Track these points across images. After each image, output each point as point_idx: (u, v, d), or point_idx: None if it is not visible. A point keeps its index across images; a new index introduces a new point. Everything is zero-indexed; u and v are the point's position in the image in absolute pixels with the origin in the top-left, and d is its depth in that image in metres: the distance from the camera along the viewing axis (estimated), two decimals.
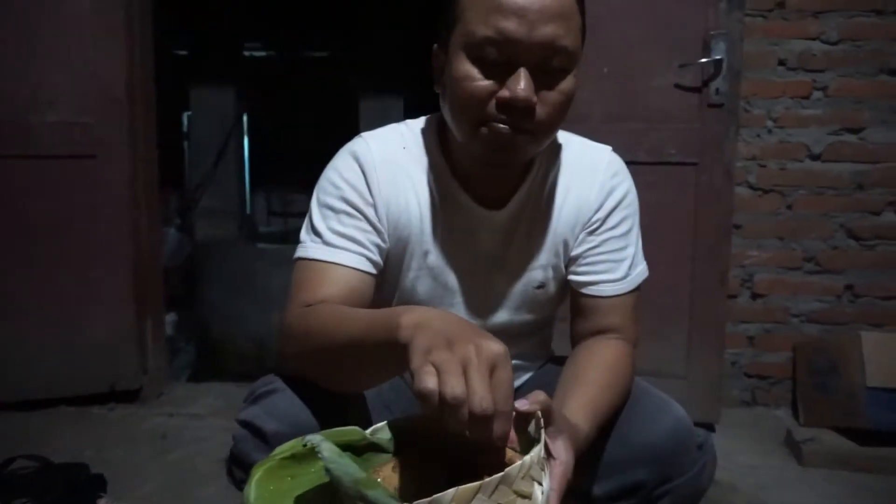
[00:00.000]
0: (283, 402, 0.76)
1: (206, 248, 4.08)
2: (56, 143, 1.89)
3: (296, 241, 0.87)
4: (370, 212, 0.84)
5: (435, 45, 0.82)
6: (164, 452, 1.72)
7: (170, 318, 3.63)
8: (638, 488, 0.81)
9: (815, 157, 2.00)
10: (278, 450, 0.58)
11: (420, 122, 0.91)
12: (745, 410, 2.09)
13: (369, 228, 0.84)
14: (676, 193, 1.81)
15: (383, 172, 0.85)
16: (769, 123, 1.99)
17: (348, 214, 0.83)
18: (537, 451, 0.53)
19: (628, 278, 0.89)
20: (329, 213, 0.84)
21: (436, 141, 0.88)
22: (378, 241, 0.85)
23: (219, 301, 3.84)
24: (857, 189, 2.01)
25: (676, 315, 1.85)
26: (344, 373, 0.71)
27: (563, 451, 0.63)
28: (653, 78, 1.81)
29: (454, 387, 0.49)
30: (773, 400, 2.10)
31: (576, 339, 0.92)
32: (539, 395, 0.61)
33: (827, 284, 2.05)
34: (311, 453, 0.58)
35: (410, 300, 0.91)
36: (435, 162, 0.87)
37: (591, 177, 0.89)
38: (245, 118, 4.56)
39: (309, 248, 0.83)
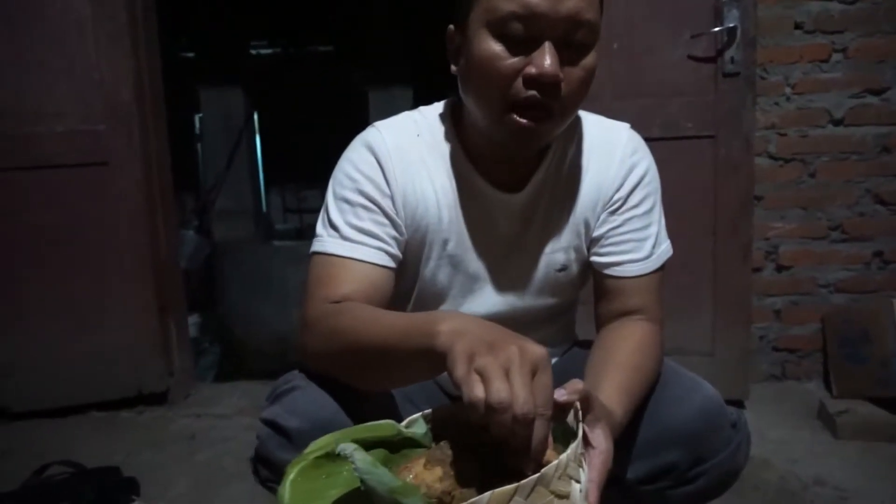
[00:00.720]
0: (304, 399, 0.76)
1: (224, 248, 4.12)
2: (66, 153, 1.90)
3: (312, 236, 0.86)
4: (387, 203, 0.83)
5: (450, 27, 0.80)
6: (192, 453, 1.74)
7: (193, 319, 3.68)
8: (671, 470, 0.79)
9: (836, 123, 1.94)
10: (311, 448, 0.58)
11: (434, 108, 0.90)
12: (775, 384, 2.05)
13: (386, 221, 0.83)
14: (694, 168, 1.77)
15: (398, 162, 0.84)
16: (787, 90, 1.93)
17: (365, 208, 0.82)
18: (574, 447, 0.52)
19: (652, 257, 0.87)
20: (346, 206, 0.82)
21: (451, 126, 0.87)
22: (395, 233, 0.84)
23: (239, 300, 3.88)
24: (882, 152, 1.95)
25: (700, 291, 1.81)
26: (372, 373, 0.71)
27: (602, 440, 0.62)
28: (664, 51, 1.77)
29: (499, 391, 0.49)
30: (803, 373, 2.06)
31: (601, 322, 0.90)
32: (577, 385, 0.59)
33: (854, 252, 2.00)
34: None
35: (431, 289, 0.90)
36: (450, 148, 0.86)
37: (609, 155, 0.87)
38: (256, 116, 4.57)
39: (326, 242, 0.82)
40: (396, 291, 0.86)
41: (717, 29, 1.72)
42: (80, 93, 1.89)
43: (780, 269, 2.02)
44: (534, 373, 0.52)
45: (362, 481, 0.51)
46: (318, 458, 0.57)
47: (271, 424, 0.76)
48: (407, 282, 0.89)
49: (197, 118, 4.72)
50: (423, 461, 0.58)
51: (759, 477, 1.49)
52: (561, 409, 0.58)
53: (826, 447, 1.65)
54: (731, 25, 1.71)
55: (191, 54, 4.59)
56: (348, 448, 0.53)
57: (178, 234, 2.76)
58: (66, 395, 1.97)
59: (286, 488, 0.54)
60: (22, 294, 1.94)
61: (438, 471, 0.57)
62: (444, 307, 0.91)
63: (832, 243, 2.00)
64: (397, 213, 0.84)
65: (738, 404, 1.83)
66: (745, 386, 1.85)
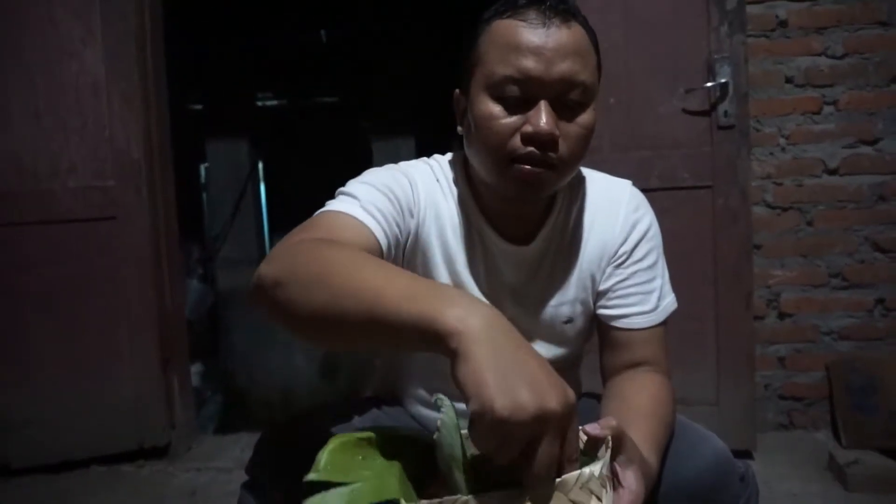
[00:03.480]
0: (276, 454, 0.78)
1: (228, 297, 4.13)
2: (77, 208, 1.94)
3: None
4: (411, 222, 0.84)
5: (456, 91, 0.85)
6: None
7: (195, 368, 3.65)
8: None
9: (831, 172, 1.98)
10: (358, 431, 0.60)
11: (446, 157, 0.93)
12: (782, 434, 2.03)
13: (404, 231, 0.83)
14: (693, 218, 1.80)
15: (423, 193, 0.86)
16: (781, 141, 1.98)
17: (390, 200, 0.81)
18: (599, 465, 0.53)
19: (658, 310, 0.89)
20: (373, 189, 0.80)
21: (463, 176, 0.89)
22: (399, 252, 0.84)
23: (242, 350, 3.87)
24: (879, 200, 1.98)
25: (703, 341, 1.81)
26: (342, 323, 0.59)
27: (633, 482, 0.62)
28: (659, 105, 1.82)
29: (515, 453, 0.49)
30: (811, 422, 2.04)
31: (608, 373, 0.91)
32: (611, 421, 0.60)
33: (856, 299, 2.00)
34: (389, 443, 0.60)
35: None
36: (462, 196, 0.89)
37: (614, 211, 0.90)
38: (261, 166, 4.65)
39: (342, 202, 0.78)
40: None
41: (710, 84, 1.78)
42: (92, 150, 1.94)
43: (782, 316, 2.02)
44: (563, 431, 0.50)
45: (438, 430, 0.53)
46: (360, 439, 0.59)
47: (250, 477, 0.79)
48: None
49: (203, 168, 4.80)
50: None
51: None
52: (592, 445, 0.59)
53: (838, 500, 1.62)
54: (724, 81, 1.76)
55: (198, 106, 4.70)
56: (445, 400, 0.54)
57: (184, 284, 2.78)
58: (68, 450, 1.95)
59: (324, 454, 0.55)
60: (29, 348, 1.95)
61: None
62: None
63: (833, 290, 2.01)
64: (415, 240, 0.85)
65: (746, 455, 1.81)
66: (752, 436, 1.83)
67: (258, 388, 3.57)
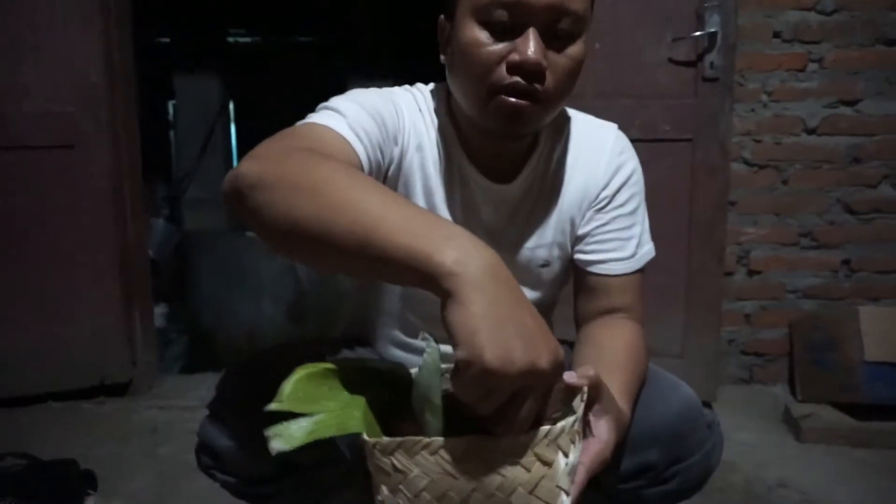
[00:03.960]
0: (241, 388, 0.76)
1: (195, 238, 4.03)
2: (33, 134, 1.83)
3: None
4: (395, 151, 0.81)
5: (441, 16, 0.80)
6: (155, 446, 1.69)
7: (161, 309, 3.60)
8: (648, 469, 0.79)
9: (810, 131, 1.97)
10: (327, 360, 0.58)
11: (429, 87, 0.88)
12: (742, 388, 2.08)
13: (387, 159, 0.79)
14: (671, 171, 1.78)
15: (408, 125, 0.82)
16: (764, 97, 1.96)
17: (377, 125, 0.76)
18: (570, 421, 0.52)
19: (636, 257, 0.88)
20: (360, 109, 0.75)
21: (445, 109, 0.85)
22: (379, 180, 0.80)
23: (209, 292, 3.80)
24: (854, 162, 1.98)
25: (673, 294, 1.82)
26: (328, 242, 0.54)
27: (605, 431, 0.61)
28: (645, 53, 1.77)
29: (498, 405, 0.48)
30: (770, 377, 2.09)
31: (582, 319, 0.90)
32: (589, 371, 0.59)
33: (824, 259, 2.03)
34: (359, 376, 0.58)
35: None
36: (444, 129, 0.85)
37: (597, 154, 0.87)
38: (232, 105, 4.49)
39: (328, 117, 0.72)
40: None
41: (698, 33, 1.73)
42: (48, 73, 1.82)
43: (751, 273, 2.04)
44: (549, 389, 0.50)
45: (419, 369, 0.52)
46: (328, 370, 0.57)
47: (211, 412, 0.77)
48: None
49: (171, 105, 4.62)
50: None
51: (724, 479, 1.50)
52: (568, 393, 0.58)
53: (790, 450, 1.67)
54: (713, 30, 1.72)
55: (166, 40, 4.49)
56: (432, 340, 0.53)
57: (148, 222, 2.70)
58: (24, 385, 1.90)
59: (289, 384, 0.53)
60: None
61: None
62: (409, 289, 0.88)
63: (802, 250, 2.03)
64: (396, 169, 0.82)
65: (706, 407, 1.85)
66: (713, 389, 1.87)
67: (225, 331, 3.52)
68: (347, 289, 1.05)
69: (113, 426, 1.83)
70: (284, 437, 0.51)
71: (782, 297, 2.05)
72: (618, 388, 0.71)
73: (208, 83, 4.25)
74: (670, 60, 1.76)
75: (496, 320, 0.47)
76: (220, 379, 0.82)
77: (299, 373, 0.55)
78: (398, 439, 0.50)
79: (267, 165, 0.59)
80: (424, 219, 0.53)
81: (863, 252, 2.02)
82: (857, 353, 1.72)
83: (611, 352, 0.80)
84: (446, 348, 0.49)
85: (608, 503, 0.89)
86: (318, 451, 0.81)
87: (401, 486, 0.51)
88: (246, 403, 0.71)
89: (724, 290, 1.94)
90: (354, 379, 0.59)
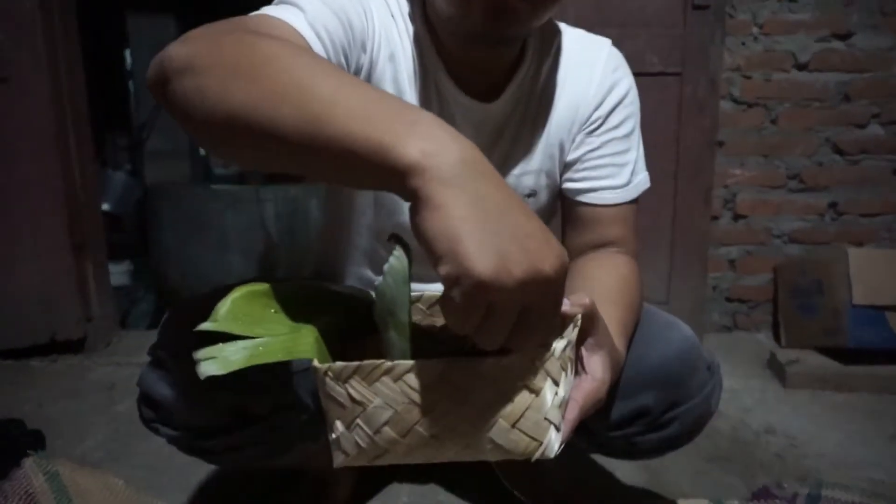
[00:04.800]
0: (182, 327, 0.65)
1: (158, 191, 3.86)
2: None
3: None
4: (363, 58, 0.70)
5: None
6: (110, 404, 1.58)
7: (125, 266, 3.47)
8: (643, 415, 0.73)
9: (801, 67, 1.88)
10: (275, 281, 0.50)
11: None
12: (725, 335, 2.04)
13: (353, 66, 0.69)
14: (659, 106, 1.68)
15: (379, 31, 0.71)
16: (755, 30, 1.85)
17: (343, 26, 0.65)
18: (562, 344, 0.43)
19: (631, 185, 0.80)
20: (323, 6, 0.64)
21: (420, 15, 0.74)
22: None
23: (174, 247, 3.65)
24: (843, 100, 1.90)
25: (658, 237, 1.75)
26: (270, 134, 0.45)
27: (599, 369, 0.53)
28: None
29: (507, 322, 0.39)
30: (753, 324, 2.05)
31: (572, 255, 0.81)
32: (583, 298, 0.51)
33: (810, 203, 1.97)
34: (313, 299, 0.50)
35: (374, 200, 0.79)
36: (420, 39, 0.74)
37: (589, 71, 0.78)
38: None
39: (283, 10, 0.62)
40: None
41: None
42: None
43: (736, 217, 1.97)
44: (556, 301, 0.42)
45: (385, 276, 0.44)
46: (275, 290, 0.49)
47: (152, 357, 0.68)
48: None
49: (128, 53, 4.37)
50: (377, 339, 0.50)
51: (711, 426, 1.41)
52: (560, 323, 0.49)
53: (776, 396, 1.63)
54: None
55: None
56: (403, 240, 0.43)
57: (97, 167, 2.51)
58: None
59: (226, 302, 0.45)
60: None
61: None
62: (386, 216, 0.79)
63: (789, 192, 1.96)
64: (365, 80, 0.71)
65: None
66: (699, 336, 1.82)
67: (192, 287, 3.39)
68: (318, 227, 0.96)
69: (66, 384, 1.71)
70: (219, 361, 0.43)
71: (767, 242, 2.00)
72: (612, 323, 0.63)
73: (164, 26, 4.00)
74: None
75: (483, 222, 0.38)
76: (162, 322, 0.73)
77: (240, 290, 0.47)
78: (354, 364, 0.41)
79: (199, 46, 0.49)
80: (385, 103, 0.43)
81: (849, 195, 1.96)
82: (845, 297, 1.67)
83: (604, 286, 0.71)
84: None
85: (597, 451, 0.83)
86: (274, 397, 0.72)
87: (358, 421, 0.42)
88: (188, 345, 0.63)
89: (710, 235, 1.87)
90: (307, 303, 0.50)
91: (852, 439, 1.40)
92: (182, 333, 0.68)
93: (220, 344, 0.43)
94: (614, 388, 0.68)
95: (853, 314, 1.65)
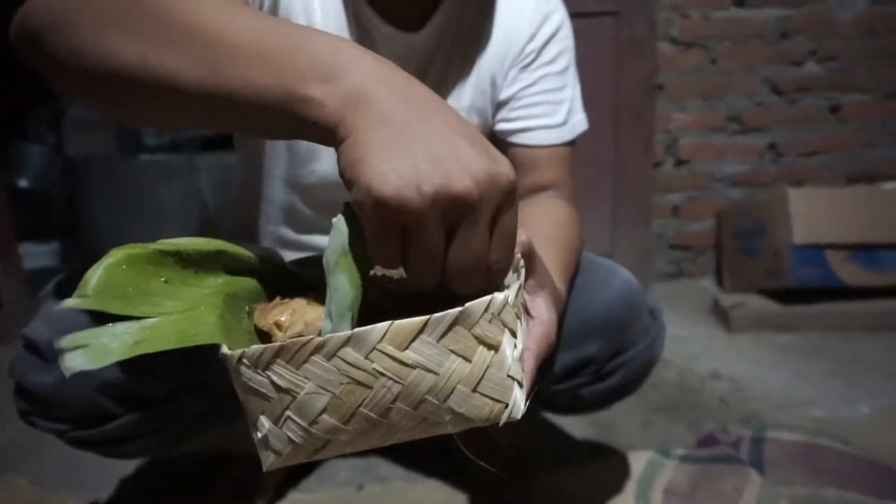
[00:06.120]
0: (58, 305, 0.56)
1: (83, 164, 3.62)
2: None
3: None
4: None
5: None
6: None
7: (52, 247, 3.28)
8: (586, 364, 0.70)
9: (740, 3, 1.83)
10: (163, 241, 0.41)
11: None
12: (670, 284, 2.03)
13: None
14: (595, 49, 1.61)
15: None
16: None
17: None
18: (515, 289, 0.37)
19: (567, 125, 0.76)
20: None
21: None
22: None
23: (105, 223, 3.46)
24: (782, 38, 1.87)
25: (601, 186, 1.70)
26: (163, 89, 0.40)
27: (544, 310, 0.48)
28: None
29: (430, 248, 0.35)
30: (698, 270, 2.05)
31: None
32: (521, 235, 0.44)
33: (751, 144, 1.95)
34: (209, 261, 0.41)
35: (286, 146, 0.72)
36: None
37: (522, 1, 0.74)
38: None
39: None
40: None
41: None
42: None
43: (678, 163, 1.94)
44: (496, 215, 0.36)
45: (344, 213, 0.37)
46: (163, 252, 0.40)
47: (24, 340, 0.61)
48: None
49: None
50: (306, 300, 0.42)
51: (657, 375, 1.43)
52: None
53: (721, 341, 1.63)
54: None
55: None
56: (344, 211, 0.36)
57: (22, 148, 2.31)
58: None
59: (99, 270, 0.37)
60: None
61: (321, 309, 0.41)
62: (301, 164, 0.73)
63: (730, 135, 1.94)
64: (271, 9, 0.65)
65: None
66: (644, 285, 1.80)
67: None
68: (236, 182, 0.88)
69: None
70: (91, 351, 0.35)
71: (710, 187, 1.98)
72: (551, 264, 0.58)
73: None
74: None
75: (391, 139, 0.34)
76: (39, 296, 0.66)
77: (115, 254, 0.38)
78: (275, 345, 0.33)
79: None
80: (283, 37, 0.37)
81: (788, 134, 1.95)
82: (786, 237, 1.66)
83: (540, 230, 0.66)
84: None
85: (542, 407, 0.80)
86: (170, 378, 0.63)
87: (288, 413, 0.34)
88: (70, 326, 0.55)
89: (653, 182, 1.83)
90: (204, 268, 0.42)
91: (796, 379, 1.40)
92: (57, 314, 0.59)
93: (93, 329, 0.36)
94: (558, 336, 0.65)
95: (794, 254, 1.64)
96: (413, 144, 0.34)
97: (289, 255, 0.80)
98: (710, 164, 1.95)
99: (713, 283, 2.01)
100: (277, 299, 0.44)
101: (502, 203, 0.36)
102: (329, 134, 0.36)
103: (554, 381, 0.72)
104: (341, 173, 0.35)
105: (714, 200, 1.98)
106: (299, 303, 0.43)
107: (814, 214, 1.67)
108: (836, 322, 1.63)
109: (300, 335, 0.40)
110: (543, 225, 0.69)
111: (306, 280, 0.48)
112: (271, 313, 0.43)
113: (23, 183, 3.43)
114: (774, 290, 1.72)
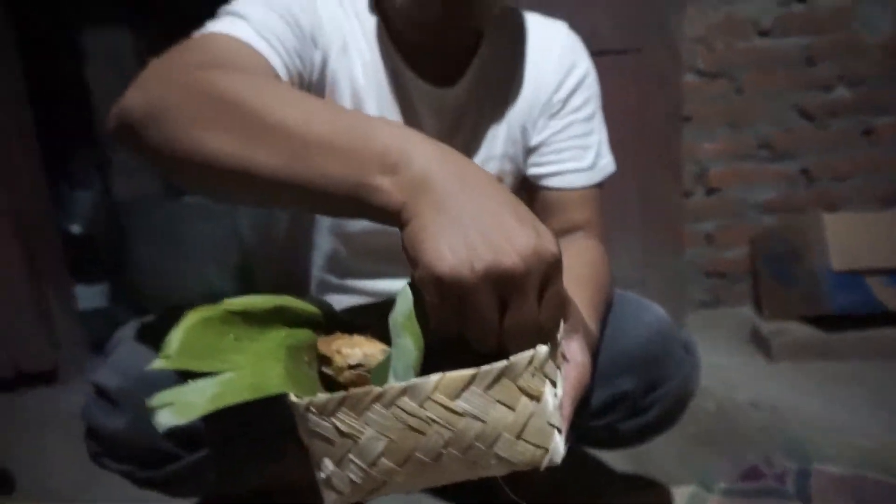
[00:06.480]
0: (127, 353, 0.63)
1: (129, 207, 3.78)
2: None
3: None
4: (315, 55, 0.68)
5: None
6: (80, 436, 1.53)
7: (103, 288, 3.41)
8: (624, 399, 0.72)
9: (763, 33, 1.85)
10: (228, 301, 0.45)
11: None
12: (707, 312, 2.01)
13: (308, 66, 0.67)
14: (620, 84, 1.63)
15: (327, 22, 0.69)
16: None
17: (290, 27, 0.64)
18: (552, 347, 0.40)
19: (595, 168, 0.80)
20: (268, 10, 0.63)
21: (373, 4, 0.73)
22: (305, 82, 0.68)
23: (150, 263, 3.59)
24: (808, 64, 1.88)
25: (630, 216, 1.71)
26: (251, 177, 0.45)
27: (579, 353, 0.51)
28: None
29: (484, 317, 0.39)
30: (735, 298, 2.03)
31: None
32: None
33: (782, 170, 1.94)
34: (271, 317, 0.46)
35: None
36: (374, 27, 0.73)
37: (547, 54, 0.79)
38: (149, 58, 4.16)
39: (229, 23, 0.60)
40: None
41: None
42: None
43: (709, 191, 1.95)
44: (544, 284, 0.40)
45: (408, 285, 0.42)
46: (231, 312, 0.44)
47: (95, 386, 0.65)
48: None
49: (87, 69, 4.27)
50: (366, 336, 0.48)
51: (697, 406, 1.40)
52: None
53: (760, 370, 1.62)
54: None
55: None
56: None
57: (50, 190, 2.43)
58: None
59: (179, 333, 0.42)
60: None
61: (383, 344, 0.47)
62: (342, 220, 0.78)
63: (761, 161, 1.94)
64: (320, 77, 0.69)
65: None
66: (679, 315, 1.79)
67: (167, 302, 3.34)
68: (279, 233, 0.93)
69: (35, 417, 1.66)
70: (178, 407, 0.39)
71: (743, 214, 1.97)
72: (583, 304, 0.61)
73: (121, 38, 3.91)
74: None
75: (447, 222, 0.39)
76: (108, 346, 0.70)
77: (192, 318, 0.43)
78: (340, 394, 0.38)
79: (156, 94, 0.47)
80: (353, 131, 0.42)
81: (820, 159, 1.94)
82: (823, 263, 1.65)
83: (572, 270, 0.70)
84: None
85: (579, 442, 0.82)
86: (227, 421, 0.68)
87: (350, 456, 0.38)
88: (137, 373, 0.59)
89: (683, 210, 1.84)
90: (266, 323, 0.46)
91: (838, 407, 1.38)
92: (130, 359, 0.64)
93: (177, 388, 0.40)
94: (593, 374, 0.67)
95: (833, 280, 1.63)
96: (467, 226, 0.38)
97: (332, 298, 0.84)
98: (742, 191, 1.95)
99: (751, 310, 1.99)
100: (338, 333, 0.50)
101: (548, 274, 0.40)
102: (393, 217, 0.41)
103: (591, 416, 0.73)
104: (405, 251, 0.40)
105: (747, 227, 1.97)
106: (358, 338, 0.48)
107: (851, 239, 1.65)
108: (879, 348, 1.60)
109: (359, 364, 0.46)
110: (575, 266, 0.71)
111: (357, 326, 0.52)
112: (334, 343, 0.48)
113: (74, 228, 3.59)
114: (814, 317, 1.70)
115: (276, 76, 0.60)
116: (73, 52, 4.04)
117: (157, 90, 0.49)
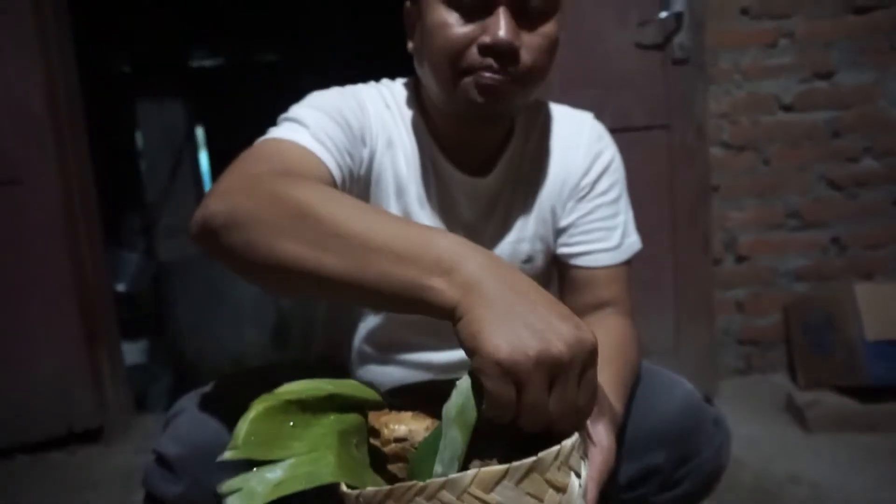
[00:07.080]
0: (186, 423, 0.67)
1: (171, 268, 3.92)
2: None
3: None
4: (364, 151, 0.76)
5: (407, 2, 0.77)
6: (129, 493, 1.59)
7: (142, 345, 3.49)
8: (655, 473, 0.73)
9: (787, 108, 1.91)
10: (284, 388, 0.50)
11: (396, 82, 0.85)
12: (740, 379, 2.00)
13: (357, 161, 0.75)
14: (648, 159, 1.71)
15: (375, 121, 0.78)
16: (737, 77, 1.89)
17: (341, 128, 0.72)
18: (573, 440, 0.45)
19: (622, 247, 0.84)
20: (322, 115, 0.71)
21: (415, 101, 0.81)
22: (353, 186, 0.75)
23: (189, 322, 3.68)
24: (834, 137, 1.93)
25: (661, 287, 1.75)
26: (318, 278, 0.51)
27: (604, 436, 0.55)
28: (610, 39, 1.71)
29: (537, 406, 0.43)
30: (768, 365, 2.02)
31: None
32: None
33: (812, 239, 1.97)
34: (323, 403, 0.50)
35: None
36: (415, 123, 0.80)
37: (575, 141, 0.84)
38: (202, 131, 4.40)
39: (289, 130, 0.69)
40: None
41: (664, 15, 1.67)
42: None
43: (739, 259, 1.98)
44: (583, 370, 0.45)
45: (459, 387, 0.46)
46: (289, 402, 0.48)
47: (156, 454, 0.68)
48: None
49: (138, 135, 4.53)
50: (411, 413, 0.53)
51: (733, 478, 1.42)
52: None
53: (798, 441, 1.60)
54: (678, 11, 1.66)
55: (128, 69, 4.39)
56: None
57: (105, 255, 2.57)
58: None
59: (245, 424, 0.46)
60: None
61: (427, 421, 0.52)
62: None
63: (790, 231, 1.96)
64: (367, 170, 0.77)
65: (706, 402, 1.77)
66: (712, 383, 1.80)
67: (208, 362, 3.40)
68: (320, 302, 0.98)
69: (85, 475, 1.72)
70: (244, 495, 0.44)
71: (774, 282, 1.99)
72: (610, 381, 0.65)
73: (173, 109, 4.16)
74: (637, 45, 1.70)
75: (499, 316, 0.44)
76: (166, 419, 0.74)
77: (256, 408, 0.47)
78: (386, 488, 0.42)
79: (236, 201, 0.55)
80: (412, 239, 0.49)
81: (850, 228, 1.96)
82: (857, 333, 1.65)
83: (601, 347, 0.74)
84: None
85: None
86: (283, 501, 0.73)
87: None
88: (195, 443, 0.65)
89: (713, 279, 1.87)
90: (319, 408, 0.50)
91: (881, 483, 1.36)
92: (191, 431, 0.69)
93: (243, 475, 0.45)
94: (619, 450, 0.69)
95: (869, 350, 1.62)
96: (516, 320, 0.44)
97: (372, 369, 0.89)
98: (772, 260, 1.98)
99: (786, 377, 1.98)
100: (386, 409, 0.55)
101: (587, 360, 0.45)
102: (448, 313, 0.46)
103: (623, 489, 0.75)
104: (461, 344, 0.45)
105: (779, 295, 1.98)
106: (404, 414, 0.54)
107: (884, 309, 1.65)
108: None
109: (404, 438, 0.51)
110: (604, 343, 0.75)
111: (400, 407, 0.57)
112: (383, 418, 0.53)
113: (120, 288, 3.73)
114: (852, 387, 1.68)
115: (325, 182, 0.67)
116: (124, 120, 4.29)
117: (237, 199, 0.55)
